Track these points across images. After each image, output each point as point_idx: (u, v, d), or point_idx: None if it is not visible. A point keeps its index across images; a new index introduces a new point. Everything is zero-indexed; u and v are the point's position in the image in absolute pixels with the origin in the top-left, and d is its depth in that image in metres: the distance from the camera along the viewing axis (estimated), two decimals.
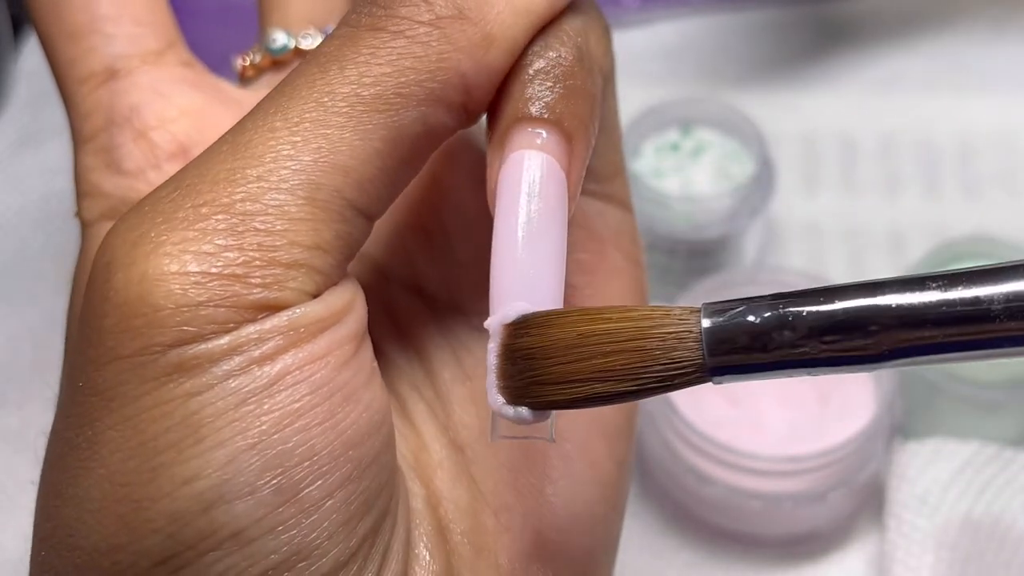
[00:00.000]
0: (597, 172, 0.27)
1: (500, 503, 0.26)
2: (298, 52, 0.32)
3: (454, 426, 0.27)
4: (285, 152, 0.22)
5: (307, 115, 0.23)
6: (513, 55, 0.23)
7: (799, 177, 0.55)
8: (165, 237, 0.22)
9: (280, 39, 0.32)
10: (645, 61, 0.58)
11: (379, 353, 0.27)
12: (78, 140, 0.28)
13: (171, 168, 0.27)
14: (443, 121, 0.23)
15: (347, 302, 0.23)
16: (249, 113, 0.23)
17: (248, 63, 0.32)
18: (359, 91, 0.23)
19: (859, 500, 0.43)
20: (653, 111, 0.49)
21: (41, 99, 0.60)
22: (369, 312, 0.26)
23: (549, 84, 0.23)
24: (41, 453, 0.24)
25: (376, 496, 0.23)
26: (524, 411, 0.22)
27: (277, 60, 0.32)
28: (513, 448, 0.26)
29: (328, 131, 0.23)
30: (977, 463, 0.42)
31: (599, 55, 0.25)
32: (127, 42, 0.28)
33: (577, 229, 0.27)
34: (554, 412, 0.23)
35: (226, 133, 0.23)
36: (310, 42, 0.32)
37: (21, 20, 0.63)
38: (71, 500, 0.22)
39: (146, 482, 0.21)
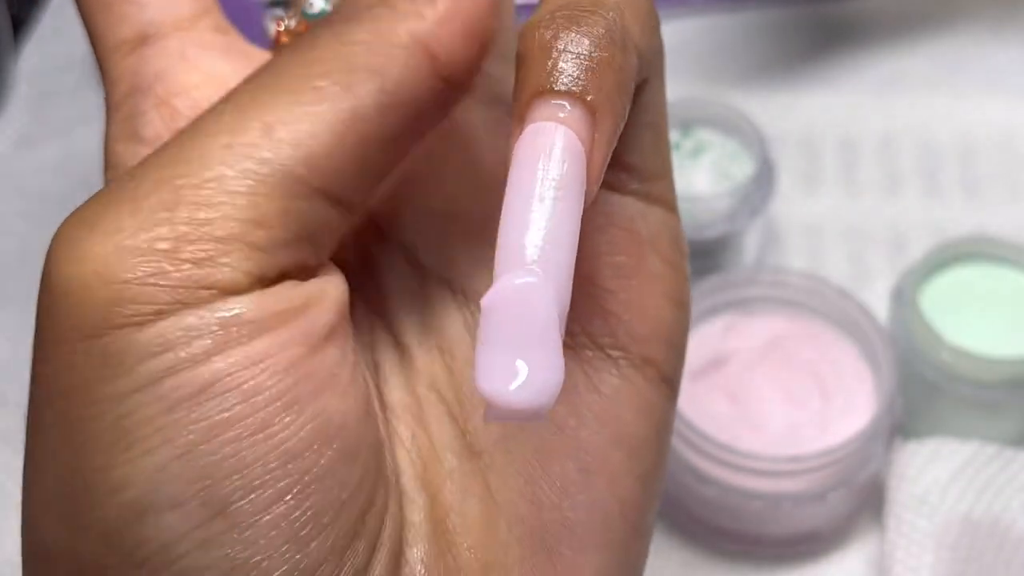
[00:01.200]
0: (641, 171, 0.26)
1: (514, 514, 0.25)
2: None
3: (472, 430, 0.26)
4: (227, 128, 0.22)
5: (256, 98, 0.22)
6: (469, 3, 0.23)
7: (799, 177, 0.55)
8: (101, 216, 0.21)
9: (317, 3, 0.31)
10: None
11: (403, 349, 0.26)
12: (108, 108, 0.27)
13: None
14: (412, 91, 0.23)
15: (302, 300, 0.22)
16: (207, 108, 0.23)
17: (283, 28, 0.31)
18: (307, 70, 0.22)
19: (859, 500, 0.43)
20: None
21: (41, 99, 0.60)
22: (400, 305, 0.24)
23: (574, 57, 0.22)
24: None
25: (336, 513, 0.22)
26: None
27: (311, 25, 0.31)
28: (530, 458, 0.25)
29: (276, 107, 0.22)
30: (977, 463, 0.42)
31: (635, 32, 0.23)
32: (160, 8, 0.27)
33: (616, 230, 0.25)
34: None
35: (186, 125, 0.23)
36: None
37: (21, 20, 0.63)
38: (29, 493, 0.22)
39: (83, 488, 0.21)
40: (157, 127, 0.26)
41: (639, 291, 0.26)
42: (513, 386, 0.20)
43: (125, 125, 0.26)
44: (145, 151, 0.26)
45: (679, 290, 0.27)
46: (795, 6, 0.60)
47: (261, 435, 0.21)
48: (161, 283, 0.21)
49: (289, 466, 0.21)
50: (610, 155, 0.22)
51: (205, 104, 0.26)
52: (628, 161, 0.25)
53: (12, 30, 0.62)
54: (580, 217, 0.22)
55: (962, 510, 0.41)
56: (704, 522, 0.44)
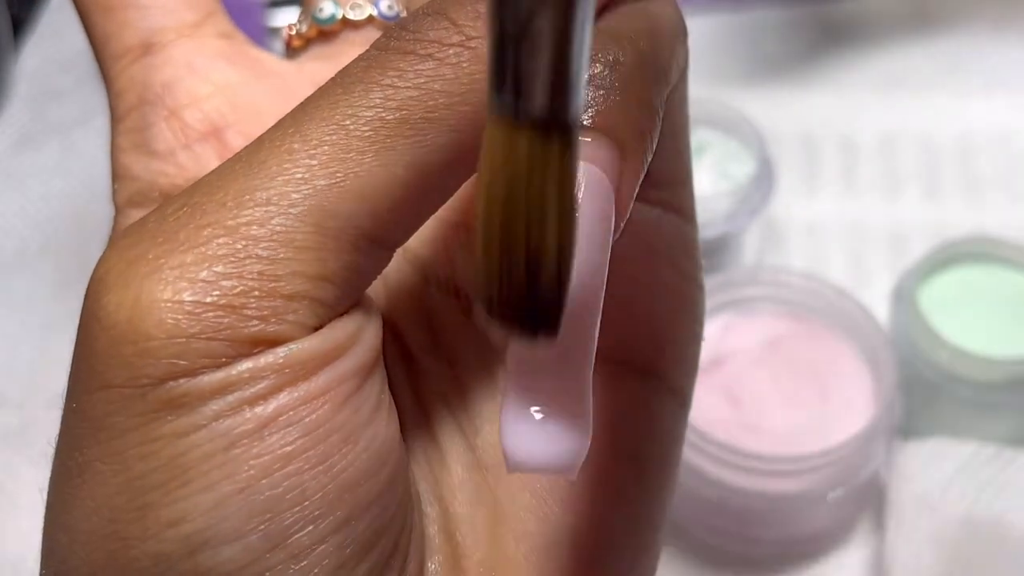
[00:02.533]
0: (659, 178, 0.25)
1: (522, 530, 0.25)
2: (346, 22, 0.30)
3: (481, 444, 0.25)
4: (299, 175, 0.21)
5: (327, 137, 0.21)
6: None
7: (799, 177, 0.55)
8: (163, 260, 0.21)
9: (328, 8, 0.30)
10: None
11: (411, 361, 0.25)
12: (113, 119, 0.27)
13: (202, 150, 0.26)
14: (476, 141, 0.21)
15: (351, 334, 0.22)
16: (268, 130, 0.22)
17: (295, 32, 0.30)
18: (383, 115, 0.21)
19: (859, 500, 0.43)
20: None
21: (41, 99, 0.60)
22: (405, 315, 0.24)
23: (603, 91, 0.21)
24: (43, 454, 0.24)
25: (378, 536, 0.22)
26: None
27: (324, 30, 0.30)
28: (543, 477, 0.25)
29: (347, 155, 0.21)
30: (977, 463, 0.42)
31: (665, 59, 0.23)
32: (163, 14, 0.27)
33: (628, 238, 0.24)
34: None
35: (242, 150, 0.22)
36: (359, 13, 0.30)
37: (21, 20, 0.63)
38: (63, 527, 0.22)
39: (133, 520, 0.21)
40: (169, 140, 0.26)
41: (649, 302, 0.26)
42: (539, 446, 0.21)
43: (133, 136, 0.26)
44: (158, 164, 0.26)
45: (691, 302, 0.26)
46: (795, 6, 0.60)
47: (322, 467, 0.21)
48: (228, 339, 0.20)
49: (346, 496, 0.21)
50: (636, 192, 0.22)
51: (215, 116, 0.26)
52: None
53: (12, 30, 0.62)
54: (608, 256, 0.21)
55: (962, 510, 0.41)
56: (704, 522, 0.44)
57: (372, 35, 0.29)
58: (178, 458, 0.20)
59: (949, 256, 0.46)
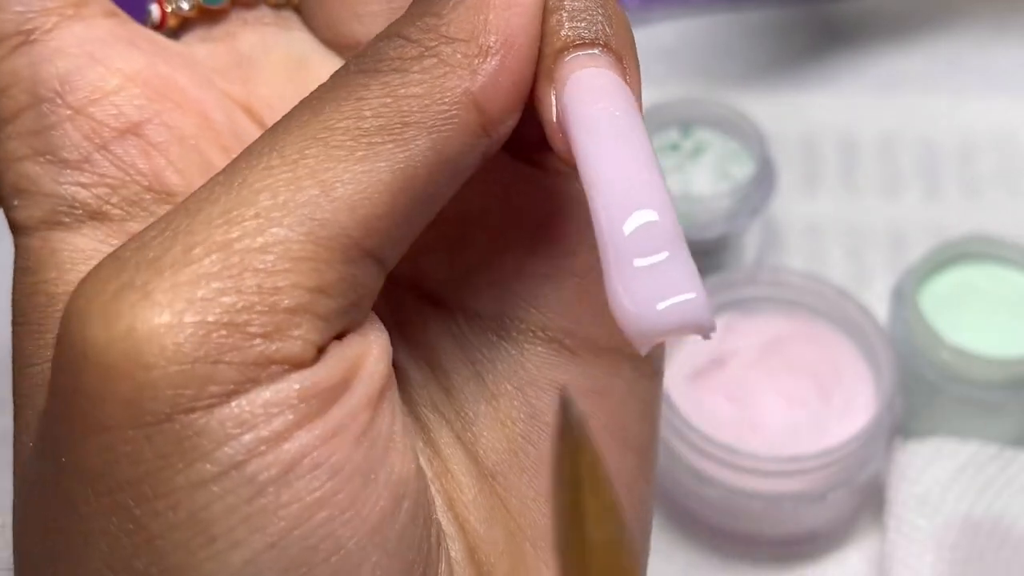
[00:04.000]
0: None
1: (538, 535, 0.24)
2: (236, 1, 0.27)
3: (483, 451, 0.24)
4: (284, 188, 0.20)
5: (307, 151, 0.20)
6: (519, 56, 0.21)
7: (799, 177, 0.55)
8: (154, 284, 0.19)
9: None
10: (645, 61, 0.57)
11: (397, 371, 0.24)
12: None
13: (120, 150, 0.23)
14: (459, 148, 0.21)
15: (356, 358, 0.21)
16: (240, 154, 0.21)
17: (170, 10, 0.26)
18: (359, 124, 0.20)
19: (859, 500, 0.43)
20: (653, 111, 0.49)
21: None
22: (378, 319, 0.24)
23: (588, 16, 0.21)
24: None
25: (409, 570, 0.21)
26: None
27: (210, 10, 0.27)
28: (542, 471, 0.24)
29: (330, 165, 0.20)
30: (977, 463, 0.42)
31: None
32: None
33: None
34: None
35: (217, 174, 0.21)
36: None
37: None
38: None
39: None
40: (80, 145, 0.23)
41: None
42: (669, 302, 0.19)
43: (32, 141, 0.23)
44: (71, 175, 0.23)
45: None
46: (795, 6, 0.60)
47: (352, 511, 0.19)
48: (234, 360, 0.19)
49: (376, 538, 0.20)
50: (641, 97, 0.22)
51: (130, 110, 0.23)
52: None
53: None
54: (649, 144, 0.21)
55: (962, 510, 0.41)
56: (704, 522, 0.44)
57: (264, 14, 0.27)
58: (198, 513, 0.19)
59: (949, 256, 0.46)
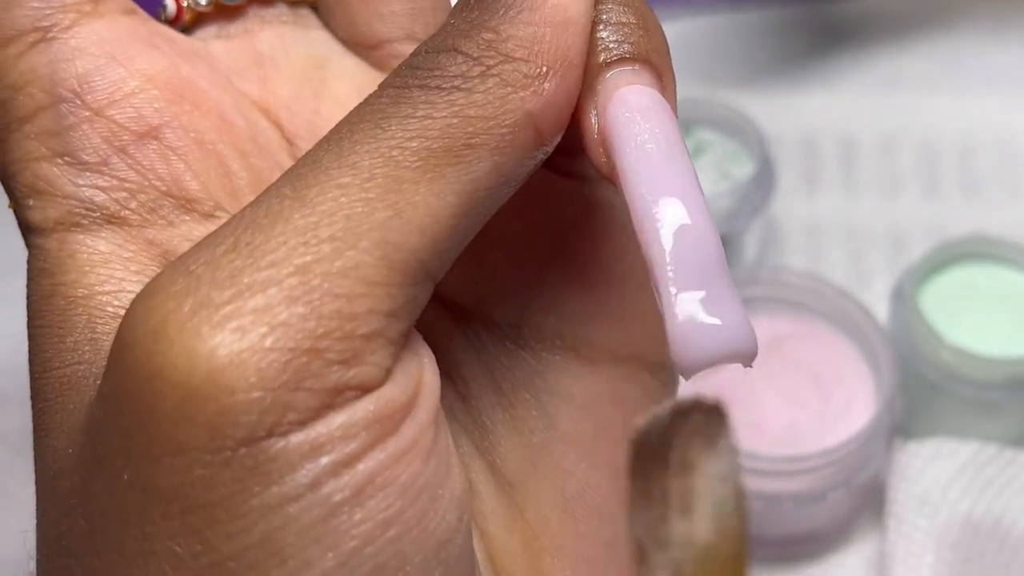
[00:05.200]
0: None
1: (555, 546, 0.24)
2: (251, 1, 0.27)
3: (500, 460, 0.24)
4: (359, 210, 0.20)
5: (377, 170, 0.20)
6: (575, 75, 0.21)
7: (799, 177, 0.55)
8: (234, 305, 0.19)
9: None
10: None
11: None
12: (9, 118, 0.23)
13: (139, 154, 0.23)
14: (516, 166, 0.21)
15: (417, 375, 0.21)
16: (302, 161, 0.21)
17: (187, 5, 0.26)
18: (429, 144, 0.20)
19: (859, 500, 0.43)
20: None
21: None
22: None
23: (627, 31, 0.21)
24: None
25: None
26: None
27: (227, 7, 0.26)
28: (562, 483, 0.24)
29: (401, 186, 0.20)
30: (977, 463, 0.42)
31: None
32: None
33: (626, 235, 0.24)
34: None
35: (283, 184, 0.20)
36: None
37: None
38: None
39: None
40: (99, 147, 0.23)
41: (647, 297, 0.24)
42: (721, 333, 0.20)
43: (50, 141, 0.22)
44: (90, 178, 0.23)
45: None
46: (795, 6, 0.60)
47: (419, 529, 0.20)
48: (313, 387, 0.19)
49: (441, 554, 0.20)
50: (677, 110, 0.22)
51: (149, 113, 0.23)
52: None
53: None
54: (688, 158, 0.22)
55: (962, 510, 0.41)
56: None
57: (282, 12, 0.27)
58: (272, 535, 0.19)
59: (949, 256, 0.46)
